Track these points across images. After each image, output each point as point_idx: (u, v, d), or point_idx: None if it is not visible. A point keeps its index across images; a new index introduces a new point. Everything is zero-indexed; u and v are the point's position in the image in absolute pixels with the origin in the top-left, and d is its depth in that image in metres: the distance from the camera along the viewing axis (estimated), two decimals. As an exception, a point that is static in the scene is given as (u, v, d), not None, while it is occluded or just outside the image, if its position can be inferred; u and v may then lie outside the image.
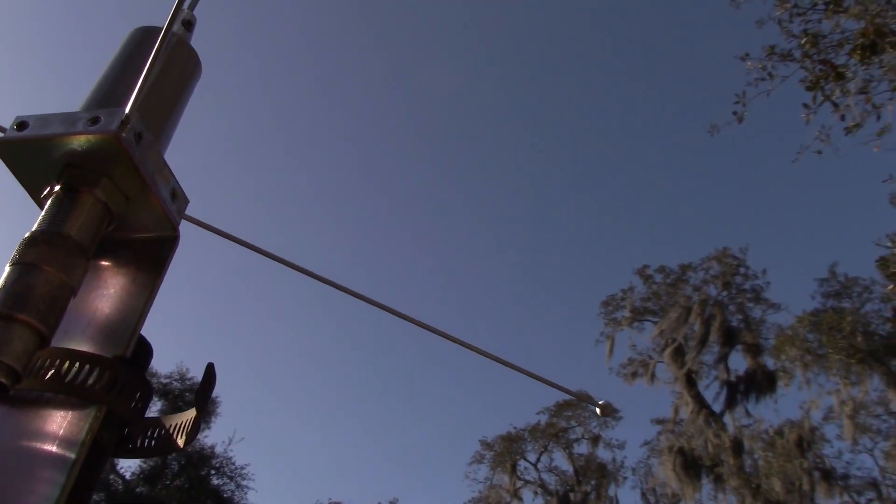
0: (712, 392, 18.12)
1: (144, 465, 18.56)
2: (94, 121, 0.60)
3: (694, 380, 18.44)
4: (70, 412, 0.56)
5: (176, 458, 18.95)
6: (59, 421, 0.56)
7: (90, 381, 0.56)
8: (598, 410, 0.78)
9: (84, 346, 0.60)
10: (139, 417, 0.61)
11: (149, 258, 0.65)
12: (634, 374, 19.66)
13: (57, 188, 0.61)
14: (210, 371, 0.63)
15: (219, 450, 19.47)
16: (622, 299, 20.38)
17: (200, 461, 18.97)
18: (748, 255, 19.24)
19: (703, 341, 18.38)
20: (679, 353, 18.80)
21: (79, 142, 0.59)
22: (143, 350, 0.64)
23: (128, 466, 18.69)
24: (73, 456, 0.53)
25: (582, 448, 20.82)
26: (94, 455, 0.58)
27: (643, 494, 19.76)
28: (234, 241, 0.74)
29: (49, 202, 0.60)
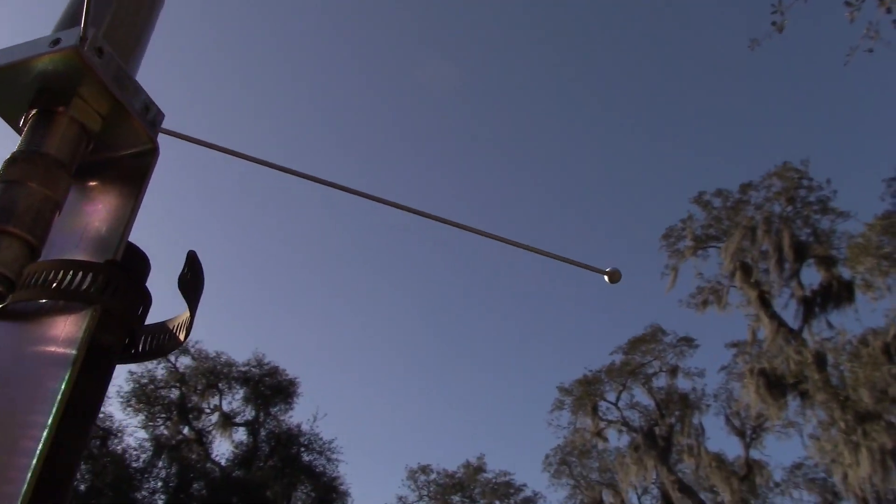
0: (788, 311, 17.73)
1: (237, 451, 19.30)
2: (56, 42, 0.62)
3: (768, 300, 18.05)
4: (69, 316, 0.59)
5: (266, 439, 19.63)
6: (58, 326, 0.59)
7: (84, 285, 0.59)
8: (605, 278, 0.77)
9: (77, 258, 0.62)
10: (139, 320, 0.63)
11: (131, 173, 0.67)
12: (705, 303, 19.37)
13: (32, 113, 0.63)
14: (192, 259, 0.65)
15: (305, 427, 20.07)
16: (682, 229, 20.01)
17: (289, 440, 19.60)
18: (810, 168, 18.58)
19: (773, 259, 17.94)
20: (749, 275, 18.40)
21: (44, 64, 0.61)
22: (139, 260, 0.67)
23: (221, 454, 19.49)
24: (73, 352, 0.56)
25: (660, 381, 20.73)
26: (99, 357, 0.60)
27: (727, 419, 19.60)
28: (225, 151, 0.75)
29: (27, 126, 0.63)
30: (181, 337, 0.65)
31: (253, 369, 20.14)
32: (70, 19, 0.68)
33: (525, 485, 23.24)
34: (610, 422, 20.99)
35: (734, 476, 18.84)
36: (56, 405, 0.54)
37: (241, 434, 19.81)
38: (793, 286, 17.95)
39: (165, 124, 0.70)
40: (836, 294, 17.38)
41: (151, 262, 0.68)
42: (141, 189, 0.66)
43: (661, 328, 20.98)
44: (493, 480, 23.15)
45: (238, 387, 20.07)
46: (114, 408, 20.17)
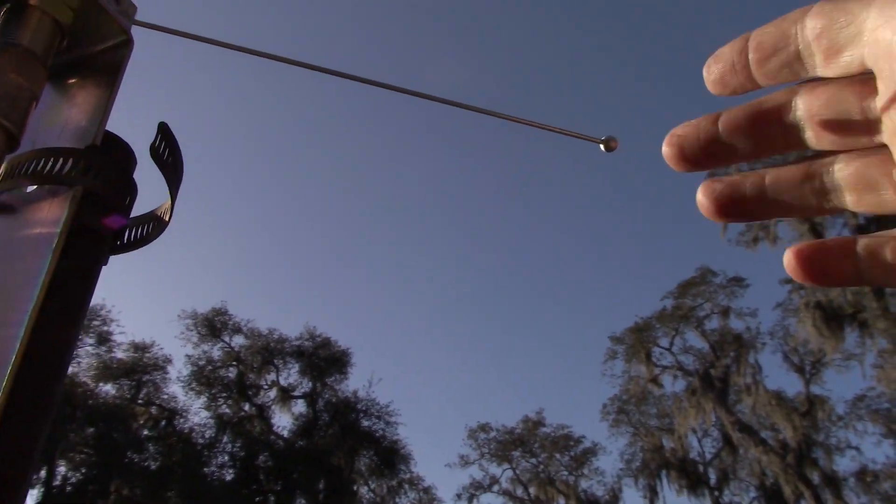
0: (841, 240, 17.26)
1: (297, 422, 19.78)
2: (15, -69, 0.61)
3: (820, 231, 17.62)
4: (53, 199, 0.59)
5: (324, 409, 20.07)
6: (43, 210, 0.59)
7: (66, 169, 0.60)
8: (601, 147, 0.75)
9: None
10: (126, 209, 0.64)
11: (107, 67, 0.67)
12: (755, 240, 19.00)
13: (5, 8, 0.63)
14: (164, 130, 0.65)
15: (361, 394, 20.44)
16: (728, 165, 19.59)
17: (346, 408, 20.00)
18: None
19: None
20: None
21: (6, -45, 0.61)
22: (123, 150, 0.67)
23: (283, 426, 20.00)
24: (56, 230, 0.56)
25: (713, 323, 20.50)
26: (87, 238, 0.61)
27: (785, 356, 19.34)
28: (204, 41, 0.74)
29: (-2, 23, 0.63)
30: (166, 219, 0.66)
31: (306, 343, 20.53)
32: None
33: (584, 436, 23.37)
34: (665, 367, 20.89)
35: (795, 412, 18.64)
36: (41, 279, 0.55)
37: (300, 406, 20.29)
38: (846, 215, 17.49)
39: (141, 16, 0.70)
40: (893, 217, 16.83)
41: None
42: (117, 79, 0.66)
43: (710, 270, 20.70)
44: (552, 434, 23.33)
45: (293, 361, 20.50)
46: (176, 389, 20.80)
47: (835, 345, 17.16)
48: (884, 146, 0.34)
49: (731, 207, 0.38)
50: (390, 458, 19.77)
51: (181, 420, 19.29)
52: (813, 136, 0.36)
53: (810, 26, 0.33)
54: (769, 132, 0.37)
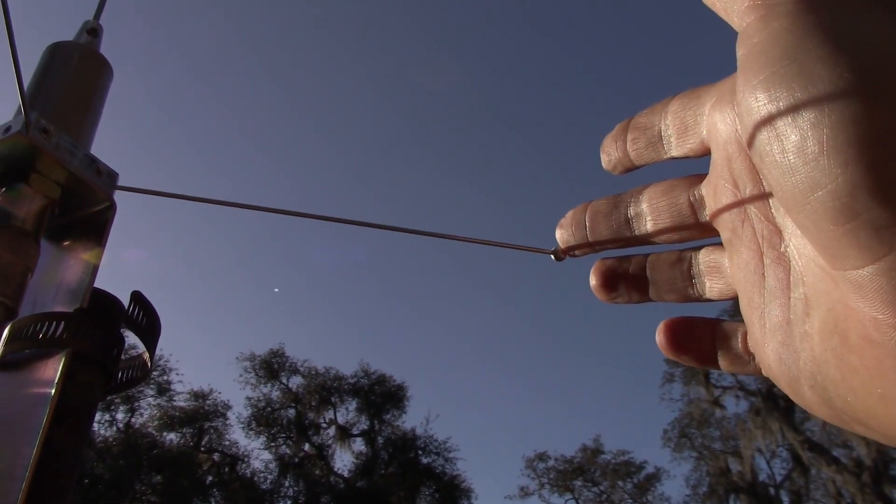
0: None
1: (357, 462, 19.86)
2: (7, 129, 0.72)
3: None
4: (48, 360, 0.69)
5: (384, 448, 20.12)
6: (40, 370, 0.69)
7: (58, 332, 0.69)
8: (552, 257, 0.82)
9: (55, 310, 0.72)
10: (113, 359, 0.73)
11: (95, 228, 0.77)
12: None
13: (1, 192, 0.74)
14: (139, 299, 0.74)
15: (419, 431, 20.44)
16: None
17: (406, 445, 20.01)
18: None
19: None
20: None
21: (1, 149, 0.72)
22: (109, 305, 0.76)
23: (343, 466, 20.12)
24: (51, 391, 0.65)
25: (774, 340, 19.91)
26: (81, 392, 0.70)
27: (852, 371, 18.66)
28: (183, 198, 0.84)
29: (-6, 206, 0.73)
30: (148, 367, 0.75)
31: (361, 380, 20.69)
32: (29, 103, 0.79)
33: (646, 462, 22.90)
34: (725, 388, 20.41)
35: (867, 428, 17.94)
36: (38, 440, 0.64)
37: (359, 444, 20.40)
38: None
39: (127, 179, 0.80)
40: None
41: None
42: (102, 241, 0.75)
43: (767, 285, 20.17)
44: (613, 461, 22.92)
45: (350, 399, 20.66)
46: (237, 435, 21.13)
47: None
48: (709, 225, 0.35)
49: (614, 284, 0.39)
50: (451, 493, 19.67)
51: (243, 465, 19.58)
52: (652, 227, 0.37)
53: (671, 109, 0.35)
54: (619, 225, 0.38)
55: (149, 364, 0.75)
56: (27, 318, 0.71)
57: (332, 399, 20.57)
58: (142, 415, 18.79)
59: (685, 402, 21.22)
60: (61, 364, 0.68)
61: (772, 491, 20.26)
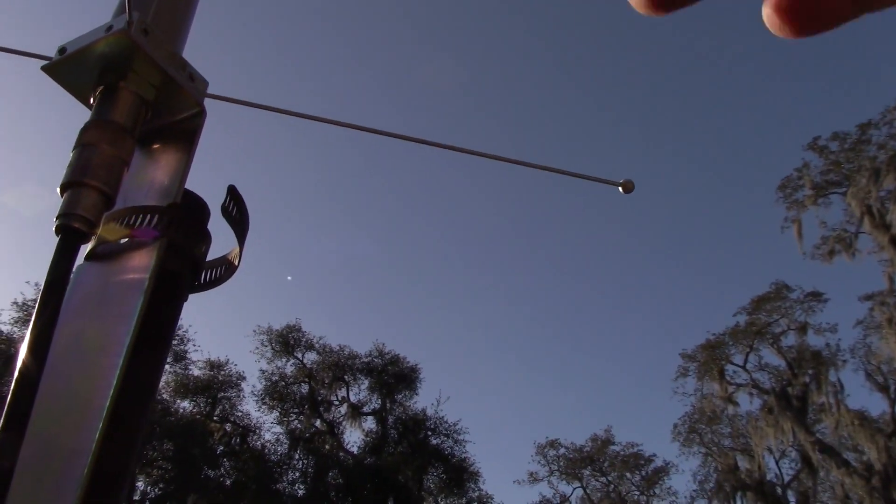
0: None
1: (367, 439, 20.02)
2: (109, 28, 0.74)
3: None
4: (142, 250, 0.71)
5: (394, 426, 20.26)
6: (134, 259, 0.71)
7: (153, 223, 0.72)
8: (620, 189, 0.84)
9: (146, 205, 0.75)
10: (202, 254, 0.75)
11: (185, 134, 0.79)
12: (832, 252, 18.38)
13: (99, 90, 0.76)
14: (233, 192, 0.76)
15: (430, 412, 20.55)
16: (799, 178, 19.02)
17: (416, 426, 20.14)
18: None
19: (902, 199, 16.77)
20: (879, 218, 17.30)
21: (102, 47, 0.74)
22: (200, 207, 0.79)
23: (353, 442, 20.28)
24: (146, 276, 0.68)
25: (790, 340, 19.85)
26: (170, 282, 0.73)
27: (868, 375, 18.55)
28: (268, 109, 0.86)
29: (95, 101, 0.76)
30: (236, 263, 0.77)
31: (375, 360, 20.82)
32: (122, 8, 0.81)
33: (655, 455, 22.91)
34: (739, 385, 20.32)
35: (879, 433, 17.83)
36: (135, 320, 0.66)
37: (369, 423, 20.56)
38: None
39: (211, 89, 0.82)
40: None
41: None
42: (193, 144, 0.78)
43: (785, 285, 20.08)
44: (622, 452, 22.96)
45: (363, 378, 20.81)
46: (250, 406, 21.33)
47: (921, 362, 16.38)
48: None
49: None
50: (459, 475, 19.79)
51: (254, 437, 19.79)
52: None
53: None
54: None
55: (237, 261, 0.78)
56: (123, 209, 0.74)
57: (346, 377, 20.72)
58: (157, 381, 18.98)
59: (698, 397, 21.16)
60: (155, 253, 0.70)
61: (779, 490, 20.19)
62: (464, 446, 20.25)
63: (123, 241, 0.74)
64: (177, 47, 0.83)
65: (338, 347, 20.91)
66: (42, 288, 0.62)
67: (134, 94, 0.76)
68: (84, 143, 0.71)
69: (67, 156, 0.71)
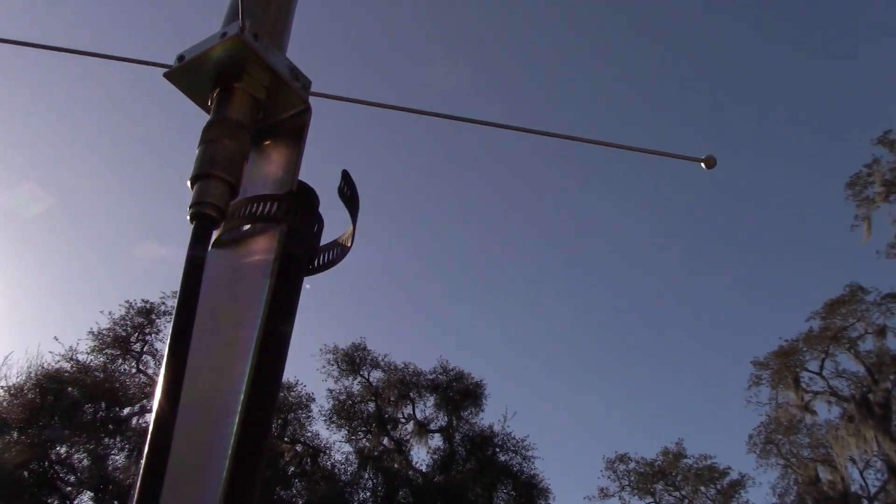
0: None
1: (435, 457, 20.04)
2: (224, 35, 0.81)
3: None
4: (265, 235, 0.77)
5: (461, 444, 20.22)
6: (259, 243, 0.77)
7: (273, 210, 0.77)
8: (702, 165, 0.86)
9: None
10: (317, 237, 0.81)
11: (294, 131, 0.85)
12: (908, 252, 17.66)
13: (216, 92, 0.83)
14: (346, 176, 0.81)
15: (497, 428, 20.45)
16: (869, 175, 18.38)
17: (483, 442, 20.06)
18: None
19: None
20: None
21: (218, 52, 0.81)
22: (311, 194, 0.85)
23: (421, 460, 20.32)
24: (271, 258, 0.73)
25: (867, 344, 19.10)
26: (291, 264, 0.78)
27: (955, 377, 17.68)
28: (368, 104, 0.92)
29: (213, 102, 0.82)
30: (348, 244, 0.83)
31: (440, 376, 20.86)
32: (232, 16, 0.88)
33: (730, 467, 22.26)
34: (816, 393, 19.63)
35: (971, 438, 16.96)
36: (265, 298, 0.72)
37: (436, 440, 20.58)
38: None
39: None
40: None
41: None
42: (302, 139, 0.83)
43: (860, 286, 19.36)
44: (695, 465, 22.38)
45: (428, 395, 20.87)
46: (319, 427, 21.63)
47: None
48: None
49: None
50: (529, 492, 19.60)
51: (324, 457, 20.02)
52: None
53: None
54: None
55: (349, 242, 0.83)
56: (244, 199, 0.80)
57: (411, 394, 20.81)
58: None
59: (772, 406, 20.51)
60: (277, 238, 0.76)
61: (865, 503, 19.37)
62: (532, 462, 20.08)
63: (245, 228, 0.80)
64: (282, 47, 0.90)
65: (402, 365, 21.05)
66: (182, 271, 0.68)
67: (248, 94, 0.82)
68: (208, 140, 0.77)
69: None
